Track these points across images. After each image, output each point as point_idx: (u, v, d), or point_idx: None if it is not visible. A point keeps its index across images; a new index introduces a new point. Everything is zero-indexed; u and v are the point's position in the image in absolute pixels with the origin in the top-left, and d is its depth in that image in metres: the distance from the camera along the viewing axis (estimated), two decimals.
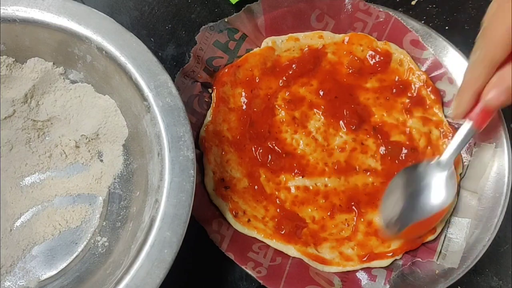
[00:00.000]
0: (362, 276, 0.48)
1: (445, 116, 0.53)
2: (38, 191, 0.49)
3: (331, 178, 0.51)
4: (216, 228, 0.48)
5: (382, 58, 0.54)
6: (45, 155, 0.50)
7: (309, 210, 0.50)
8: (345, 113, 0.53)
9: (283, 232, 0.49)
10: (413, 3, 0.59)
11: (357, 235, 0.49)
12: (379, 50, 0.54)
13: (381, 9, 0.55)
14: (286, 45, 0.55)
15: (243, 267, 0.47)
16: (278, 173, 0.51)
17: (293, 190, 0.51)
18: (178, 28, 0.57)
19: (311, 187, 0.51)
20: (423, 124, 0.52)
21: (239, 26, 0.54)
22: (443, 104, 0.53)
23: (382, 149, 0.52)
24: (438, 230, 0.49)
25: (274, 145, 0.52)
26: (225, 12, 0.57)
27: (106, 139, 0.49)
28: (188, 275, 0.49)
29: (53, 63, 0.48)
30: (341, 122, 0.53)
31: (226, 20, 0.54)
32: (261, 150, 0.51)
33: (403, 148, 0.52)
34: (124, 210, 0.48)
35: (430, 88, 0.53)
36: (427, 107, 0.53)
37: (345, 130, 0.53)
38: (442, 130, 0.52)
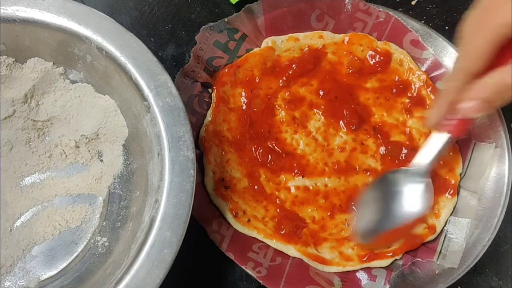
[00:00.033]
0: (362, 276, 0.48)
1: None
2: (38, 191, 0.49)
3: (331, 178, 0.51)
4: (216, 228, 0.48)
5: (382, 58, 0.54)
6: (45, 155, 0.50)
7: (309, 210, 0.50)
8: (345, 113, 0.53)
9: (283, 232, 0.49)
10: (413, 3, 0.58)
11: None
12: (379, 50, 0.54)
13: (381, 9, 0.55)
14: (286, 45, 0.55)
15: (243, 267, 0.47)
16: (278, 173, 0.51)
17: (293, 190, 0.51)
18: (178, 28, 0.57)
19: (311, 187, 0.51)
20: (423, 124, 0.52)
21: (239, 26, 0.54)
22: None
23: (382, 149, 0.52)
24: (438, 230, 0.49)
25: (274, 145, 0.52)
26: (225, 12, 0.57)
27: (106, 139, 0.49)
28: (188, 275, 0.49)
29: (53, 63, 0.48)
30: (341, 122, 0.53)
31: (226, 20, 0.54)
32: (261, 150, 0.51)
33: (403, 148, 0.52)
34: (124, 210, 0.48)
35: (430, 88, 0.53)
36: (427, 107, 0.53)
37: (345, 130, 0.53)
38: None
